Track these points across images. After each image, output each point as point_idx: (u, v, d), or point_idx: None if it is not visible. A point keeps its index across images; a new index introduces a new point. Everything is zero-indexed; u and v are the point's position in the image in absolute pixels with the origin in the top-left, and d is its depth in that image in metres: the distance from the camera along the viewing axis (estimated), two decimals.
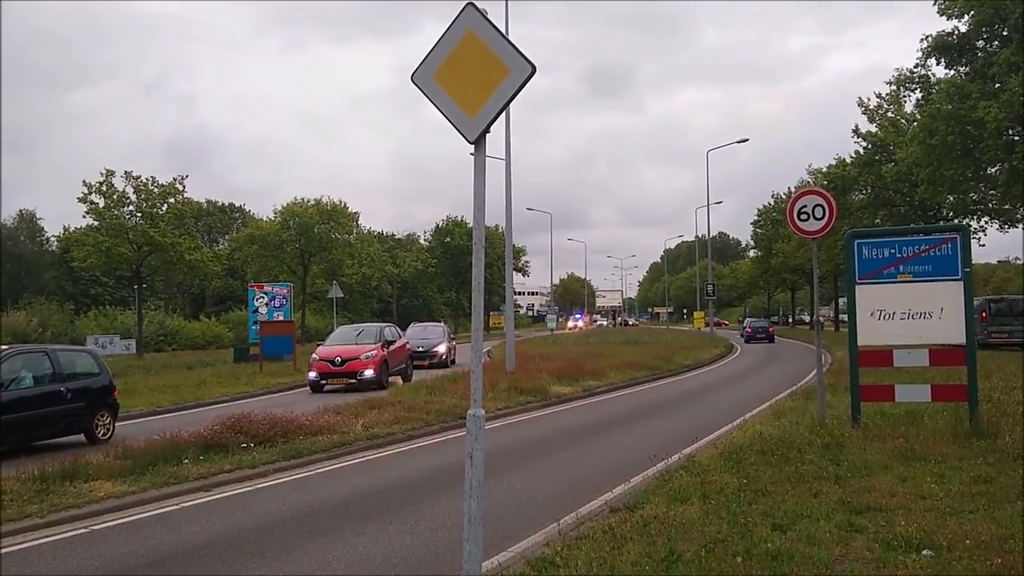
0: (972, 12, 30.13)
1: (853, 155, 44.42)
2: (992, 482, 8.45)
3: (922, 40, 33.13)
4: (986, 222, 39.49)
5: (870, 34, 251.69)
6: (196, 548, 7.97)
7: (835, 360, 27.90)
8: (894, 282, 12.46)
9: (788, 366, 32.81)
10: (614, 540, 6.92)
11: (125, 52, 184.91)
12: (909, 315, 12.22)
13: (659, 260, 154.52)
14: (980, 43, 31.35)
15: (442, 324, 38.81)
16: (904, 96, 40.73)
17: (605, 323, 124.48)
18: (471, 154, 5.38)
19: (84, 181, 42.46)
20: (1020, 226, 37.86)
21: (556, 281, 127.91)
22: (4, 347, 15.52)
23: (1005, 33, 29.88)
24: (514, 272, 34.71)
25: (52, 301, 58.14)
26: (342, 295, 46.07)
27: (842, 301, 67.68)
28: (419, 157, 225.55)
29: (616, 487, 9.80)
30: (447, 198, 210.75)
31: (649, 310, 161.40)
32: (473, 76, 5.18)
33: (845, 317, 26.95)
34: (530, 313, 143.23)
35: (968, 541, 6.35)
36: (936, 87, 33.92)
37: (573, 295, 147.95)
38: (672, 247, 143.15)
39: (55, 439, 14.93)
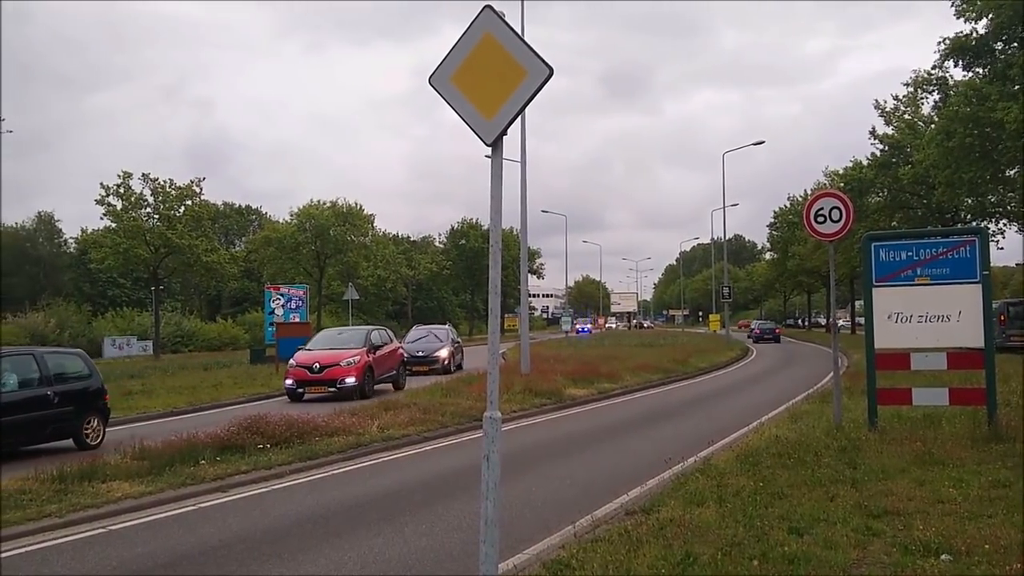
0: (991, 14, 29.96)
1: (869, 157, 44.23)
2: (1011, 487, 8.39)
3: (939, 42, 32.98)
4: (1005, 224, 39.19)
5: (888, 36, 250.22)
6: (213, 548, 8.00)
7: (852, 363, 27.79)
8: (911, 285, 12.40)
9: (804, 369, 32.69)
10: (630, 543, 6.91)
11: (144, 55, 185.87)
12: (927, 318, 12.16)
13: (674, 263, 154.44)
14: (999, 45, 31.15)
15: (447, 327, 36.29)
16: (921, 98, 40.50)
17: (614, 325, 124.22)
18: (487, 156, 5.39)
19: (102, 183, 42.86)
20: None
21: (571, 283, 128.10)
22: None
23: None
24: (529, 274, 34.35)
25: (70, 302, 58.52)
26: (357, 297, 46.18)
27: (859, 304, 67.36)
28: (435, 160, 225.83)
29: (632, 490, 9.79)
30: (463, 200, 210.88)
31: (664, 312, 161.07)
32: (490, 78, 5.18)
33: (861, 320, 26.78)
34: (545, 315, 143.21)
35: (987, 546, 6.31)
36: (954, 89, 33.75)
37: (588, 297, 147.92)
38: (688, 249, 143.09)
39: (41, 445, 14.42)
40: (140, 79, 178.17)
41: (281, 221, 67.64)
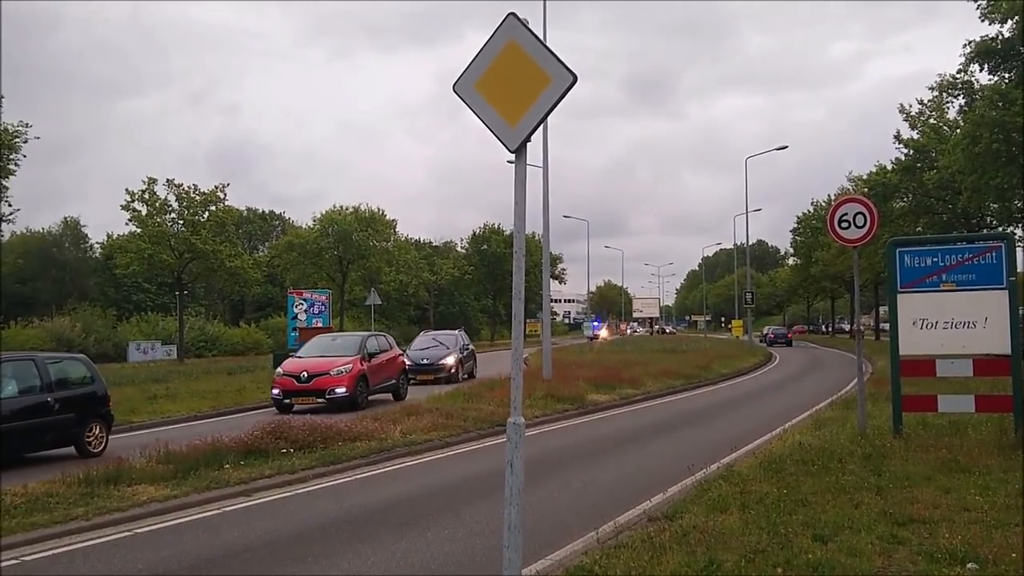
0: (1016, 17, 29.68)
1: (894, 162, 43.92)
2: None
3: (965, 45, 32.70)
4: None
5: (916, 39, 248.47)
6: (237, 552, 8.06)
7: (876, 369, 27.58)
8: (937, 291, 12.33)
9: (828, 375, 32.49)
10: (653, 549, 6.89)
11: (173, 62, 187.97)
12: (952, 324, 12.08)
13: (697, 268, 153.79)
14: None
15: (457, 332, 34.03)
16: (947, 102, 40.17)
17: (640, 330, 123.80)
18: (508, 162, 5.42)
19: (127, 189, 43.26)
20: None
21: (593, 289, 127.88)
22: None
23: None
24: (551, 279, 34.14)
25: (95, 307, 59.05)
26: (380, 302, 46.37)
27: (883, 310, 66.91)
28: (459, 165, 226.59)
29: (654, 496, 9.76)
30: (486, 205, 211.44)
31: (687, 318, 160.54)
32: (514, 85, 5.21)
33: (886, 326, 26.53)
34: (566, 321, 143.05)
35: (1014, 555, 6.26)
36: (979, 93, 33.45)
37: (610, 303, 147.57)
38: (710, 255, 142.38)
39: (42, 452, 14.09)
40: (168, 85, 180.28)
41: (304, 226, 68.01)
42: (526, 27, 5.23)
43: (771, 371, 37.49)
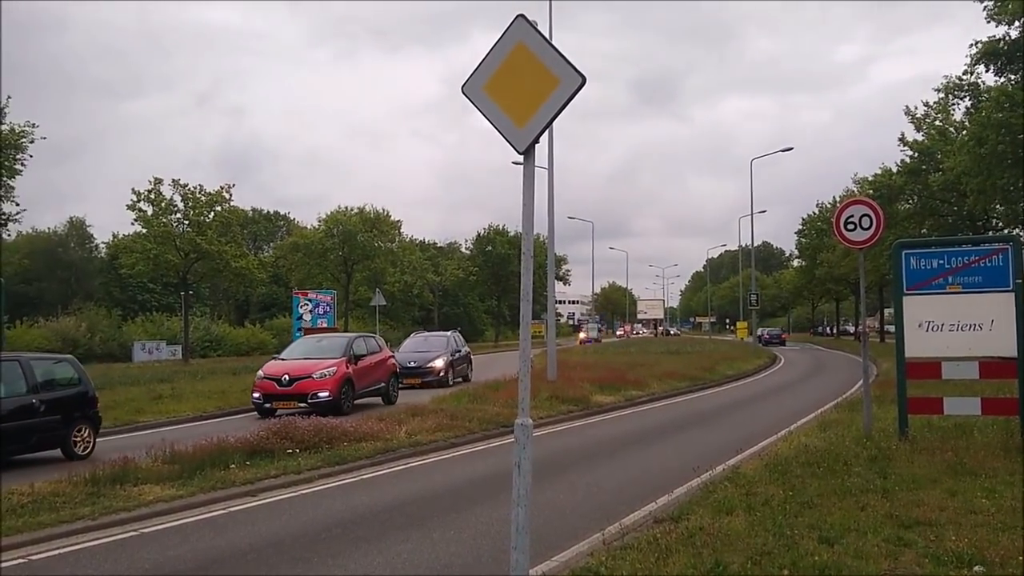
0: (1023, 19, 29.65)
1: (899, 164, 43.87)
2: None
3: (971, 46, 32.66)
4: None
5: (921, 41, 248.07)
6: (243, 552, 8.07)
7: (881, 372, 27.55)
8: (943, 293, 12.31)
9: (833, 378, 32.45)
10: (659, 551, 6.90)
11: (179, 63, 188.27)
12: (958, 327, 12.06)
13: (702, 269, 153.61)
14: None
15: (450, 334, 32.38)
16: (952, 104, 40.12)
17: (645, 331, 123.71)
18: (514, 163, 5.46)
19: (133, 189, 43.25)
20: None
21: (597, 290, 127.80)
22: None
23: None
24: (555, 281, 33.95)
25: (101, 307, 59.21)
26: (384, 303, 46.36)
27: (888, 312, 66.78)
28: (463, 166, 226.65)
29: (660, 498, 9.77)
30: (490, 206, 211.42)
31: (691, 320, 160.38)
32: (523, 87, 5.21)
33: (891, 328, 26.41)
34: (571, 322, 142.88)
35: (1021, 558, 6.25)
36: (986, 95, 33.39)
37: (614, 304, 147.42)
38: (715, 256, 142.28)
39: (27, 455, 13.74)
40: (174, 86, 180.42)
41: (309, 227, 68.07)
42: (535, 29, 5.24)
43: (776, 373, 37.45)
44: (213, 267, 45.78)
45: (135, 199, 43.14)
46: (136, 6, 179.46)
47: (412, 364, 27.57)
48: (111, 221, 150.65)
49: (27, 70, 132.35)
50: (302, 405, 19.37)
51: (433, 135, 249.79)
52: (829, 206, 65.78)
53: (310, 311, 41.99)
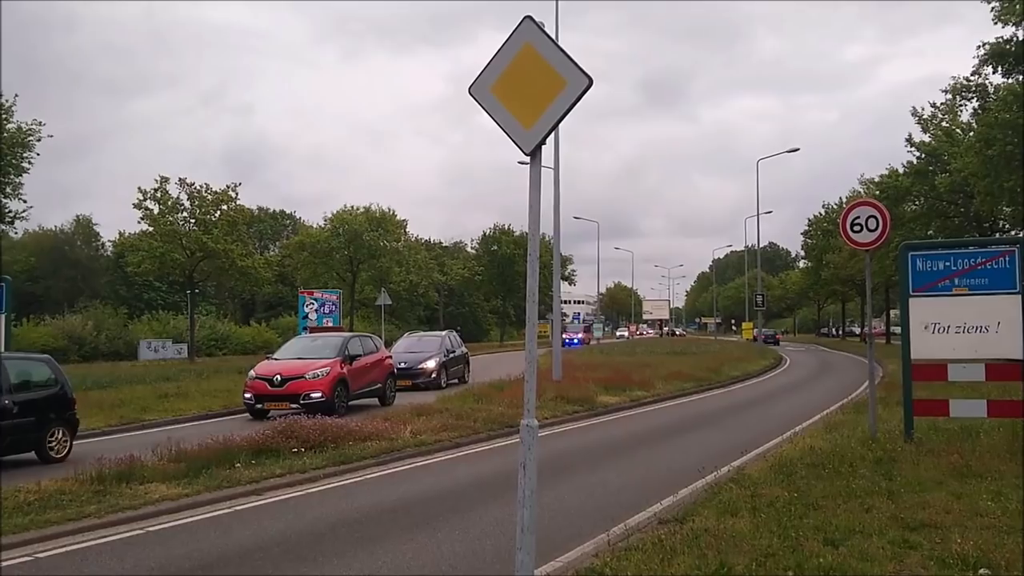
0: None
1: (906, 165, 43.80)
2: None
3: (979, 47, 32.59)
4: None
5: (929, 42, 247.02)
6: (248, 551, 8.09)
7: (887, 373, 27.50)
8: (949, 295, 12.29)
9: (838, 379, 32.41)
10: (664, 552, 6.90)
11: (186, 62, 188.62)
12: (965, 329, 12.05)
13: (707, 270, 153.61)
14: None
15: (445, 334, 31.29)
16: (960, 105, 40.04)
17: (650, 332, 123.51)
18: (520, 163, 5.48)
19: (139, 187, 43.28)
20: None
21: (603, 290, 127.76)
22: None
23: None
24: (560, 281, 33.82)
25: (107, 305, 59.29)
26: (390, 302, 46.43)
27: (893, 313, 66.70)
28: (469, 165, 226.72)
29: (665, 499, 9.76)
30: (496, 206, 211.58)
31: (696, 320, 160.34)
32: (530, 88, 5.22)
33: (896, 330, 26.36)
34: (576, 322, 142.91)
35: None
36: (994, 95, 33.32)
37: (620, 305, 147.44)
38: (721, 257, 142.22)
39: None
40: (181, 85, 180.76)
41: (315, 226, 68.13)
42: (542, 30, 5.25)
43: (781, 374, 37.41)
44: (219, 266, 45.79)
45: (141, 198, 43.18)
46: (143, 5, 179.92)
47: (403, 365, 26.14)
48: (117, 219, 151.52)
49: (34, 68, 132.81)
50: (294, 406, 18.86)
51: (439, 134, 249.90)
52: (835, 207, 65.78)
53: (316, 310, 42.03)
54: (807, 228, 76.65)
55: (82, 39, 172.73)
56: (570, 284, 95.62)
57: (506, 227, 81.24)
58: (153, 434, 16.12)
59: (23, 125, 34.49)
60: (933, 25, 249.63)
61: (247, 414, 19.78)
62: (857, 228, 13.22)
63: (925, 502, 8.39)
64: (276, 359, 21.29)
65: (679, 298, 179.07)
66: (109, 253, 73.39)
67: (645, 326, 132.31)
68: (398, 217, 62.50)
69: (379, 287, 52.34)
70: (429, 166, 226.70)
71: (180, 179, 44.09)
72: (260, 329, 65.41)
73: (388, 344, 30.10)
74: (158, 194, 43.43)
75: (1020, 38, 30.86)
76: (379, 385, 22.26)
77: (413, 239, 70.93)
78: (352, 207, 61.15)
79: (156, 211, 43.47)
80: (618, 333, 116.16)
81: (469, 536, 8.48)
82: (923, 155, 42.53)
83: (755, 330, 67.73)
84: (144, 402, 21.29)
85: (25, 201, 36.12)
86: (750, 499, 8.82)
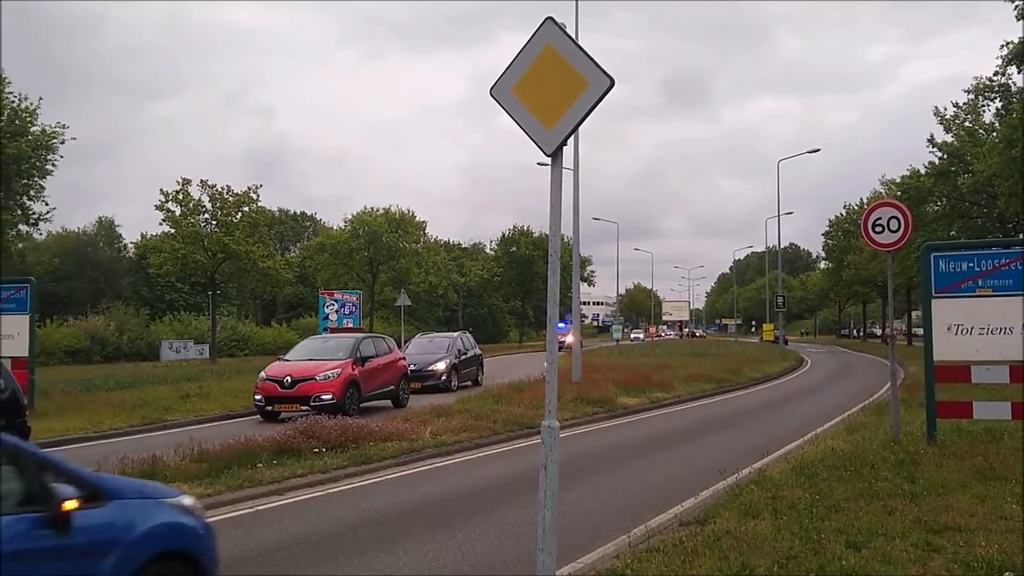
0: None
1: (927, 165, 43.48)
2: None
3: (1002, 47, 32.33)
4: None
5: (952, 42, 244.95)
6: (270, 551, 8.13)
7: (908, 375, 27.31)
8: (972, 296, 12.20)
9: (859, 381, 32.19)
10: (685, 554, 6.89)
11: (208, 64, 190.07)
12: (988, 330, 11.96)
13: (728, 271, 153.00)
14: None
15: (458, 335, 30.60)
16: (982, 106, 39.71)
17: (670, 333, 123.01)
18: (539, 164, 5.52)
19: (161, 189, 43.61)
20: None
21: (622, 291, 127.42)
22: None
23: None
24: (580, 282, 33.74)
25: (129, 306, 59.75)
26: (409, 303, 46.51)
27: (915, 315, 66.21)
28: (488, 167, 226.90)
29: (686, 500, 9.74)
30: (514, 207, 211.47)
31: (717, 322, 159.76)
32: (551, 89, 5.23)
33: (918, 331, 26.17)
34: (595, 323, 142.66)
35: None
36: (1017, 96, 33.05)
37: (639, 306, 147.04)
38: (741, 258, 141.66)
39: None
40: (203, 87, 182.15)
41: (335, 228, 68.43)
42: (563, 31, 5.25)
43: (802, 376, 37.21)
44: (240, 267, 46.06)
45: (163, 199, 43.52)
46: (166, 7, 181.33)
47: (412, 367, 24.97)
48: (140, 221, 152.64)
49: (58, 71, 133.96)
50: (304, 408, 18.47)
51: (458, 136, 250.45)
52: (856, 208, 65.37)
53: (336, 311, 42.15)
54: (828, 229, 76.30)
55: (105, 42, 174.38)
56: (590, 285, 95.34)
57: (525, 228, 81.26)
58: (175, 434, 16.21)
59: (47, 128, 34.85)
60: (957, 25, 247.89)
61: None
62: (879, 229, 13.15)
63: (948, 505, 8.34)
64: (288, 360, 20.99)
65: (699, 299, 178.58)
66: (131, 254, 73.93)
67: (665, 327, 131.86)
68: (417, 218, 62.80)
69: (399, 288, 52.52)
70: (449, 167, 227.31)
71: (202, 181, 44.44)
72: (281, 330, 65.73)
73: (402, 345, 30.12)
74: (180, 196, 43.76)
75: None
76: (392, 387, 21.93)
77: (432, 240, 71.15)
78: (372, 208, 61.48)
79: (178, 213, 43.79)
80: (632, 335, 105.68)
81: (490, 536, 8.49)
82: (945, 155, 42.21)
83: (776, 331, 67.42)
84: (166, 402, 21.41)
85: (48, 204, 36.51)
86: (771, 501, 8.79)
